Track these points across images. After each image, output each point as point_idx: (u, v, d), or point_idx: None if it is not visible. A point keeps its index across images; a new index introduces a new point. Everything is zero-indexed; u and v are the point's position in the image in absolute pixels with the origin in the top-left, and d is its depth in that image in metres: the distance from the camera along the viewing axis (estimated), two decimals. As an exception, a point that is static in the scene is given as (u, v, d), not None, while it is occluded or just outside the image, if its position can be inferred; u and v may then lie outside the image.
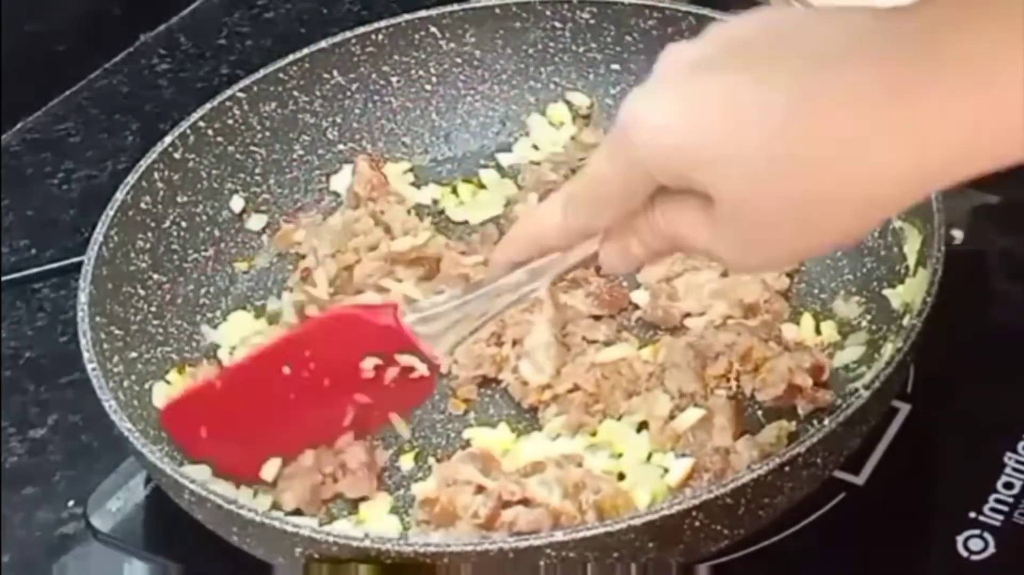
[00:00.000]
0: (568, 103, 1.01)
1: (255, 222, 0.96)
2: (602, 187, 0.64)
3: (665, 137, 0.59)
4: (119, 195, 0.88)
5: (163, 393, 0.85)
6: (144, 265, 0.89)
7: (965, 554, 0.77)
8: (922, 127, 0.55)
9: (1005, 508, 0.79)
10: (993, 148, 0.56)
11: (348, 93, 0.99)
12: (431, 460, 0.83)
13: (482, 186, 0.99)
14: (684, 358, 0.83)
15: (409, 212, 0.96)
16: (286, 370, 0.79)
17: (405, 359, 0.77)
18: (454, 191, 0.99)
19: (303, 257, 0.94)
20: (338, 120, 1.00)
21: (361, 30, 0.99)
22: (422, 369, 0.77)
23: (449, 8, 1.00)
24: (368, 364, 0.78)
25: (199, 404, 0.81)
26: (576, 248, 0.69)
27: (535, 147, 1.01)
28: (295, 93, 0.98)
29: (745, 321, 0.85)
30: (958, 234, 0.93)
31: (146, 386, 0.84)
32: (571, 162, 0.98)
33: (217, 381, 0.82)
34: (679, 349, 0.84)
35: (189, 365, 0.87)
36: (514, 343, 0.86)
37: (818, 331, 0.86)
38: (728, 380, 0.83)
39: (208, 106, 0.94)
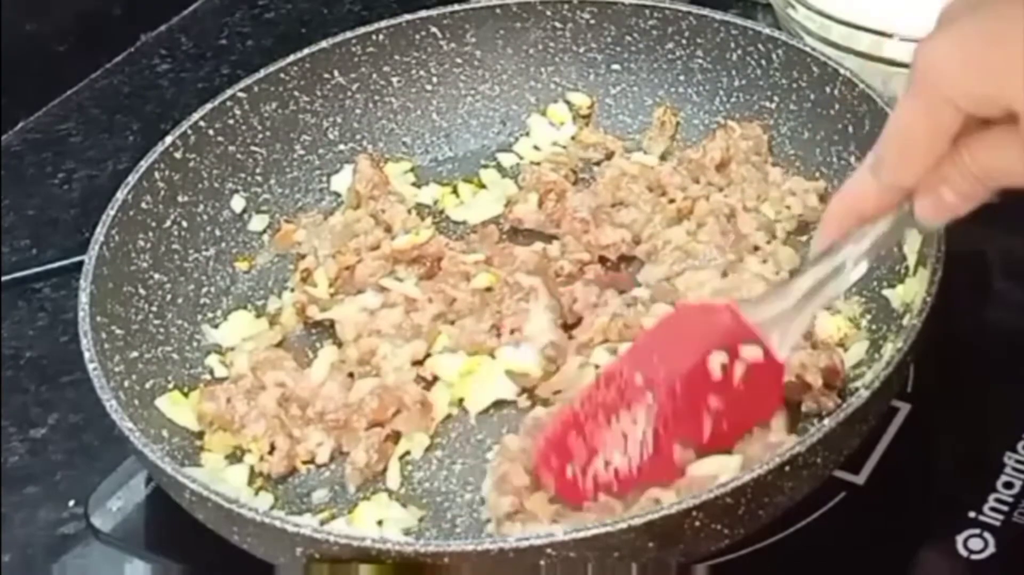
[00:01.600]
0: (568, 103, 1.02)
1: (256, 222, 0.96)
2: (909, 138, 0.67)
3: (968, 62, 0.63)
4: (120, 195, 0.88)
5: (167, 405, 0.85)
6: (145, 265, 0.89)
7: (965, 554, 0.77)
8: None
9: (1005, 508, 0.79)
10: None
11: (349, 93, 0.99)
12: (439, 453, 0.83)
13: (482, 186, 0.99)
14: None
15: (410, 212, 0.96)
16: (638, 380, 0.75)
17: (749, 352, 0.74)
18: (454, 191, 0.99)
19: (303, 257, 0.94)
20: (338, 120, 1.00)
21: (361, 30, 0.99)
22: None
23: (449, 8, 1.00)
24: (715, 361, 0.75)
25: (563, 438, 0.77)
26: (887, 215, 0.71)
27: (536, 147, 1.01)
28: (296, 93, 0.98)
29: None
30: (958, 234, 0.93)
31: (146, 386, 0.84)
32: (571, 162, 0.98)
33: (570, 409, 0.77)
34: None
35: (191, 387, 0.87)
36: (512, 331, 0.86)
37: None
38: None
39: (209, 106, 0.94)
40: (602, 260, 0.92)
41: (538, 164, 0.98)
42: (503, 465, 0.78)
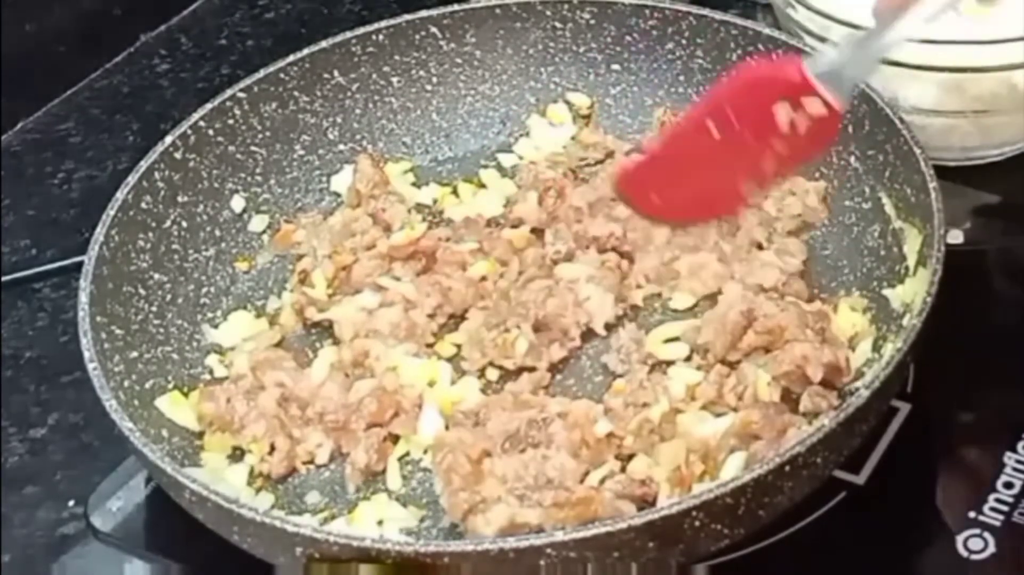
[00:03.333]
0: (568, 103, 1.02)
1: (256, 223, 0.96)
2: None
3: None
4: (120, 195, 0.88)
5: (167, 405, 0.85)
6: (145, 265, 0.89)
7: (965, 554, 0.77)
8: None
9: (1005, 508, 0.79)
10: None
11: (348, 93, 0.99)
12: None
13: (482, 186, 0.99)
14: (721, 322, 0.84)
15: (409, 211, 0.96)
16: (714, 131, 0.80)
17: (811, 103, 0.78)
18: (454, 191, 0.99)
19: (301, 258, 0.94)
20: (338, 120, 1.00)
21: (361, 30, 0.99)
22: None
23: (449, 8, 1.00)
24: (781, 114, 0.78)
25: (648, 171, 0.83)
26: None
27: (536, 148, 1.01)
28: (295, 93, 0.98)
29: (804, 304, 0.85)
30: (958, 234, 0.93)
31: (146, 386, 0.84)
32: (571, 162, 0.98)
33: (659, 148, 0.85)
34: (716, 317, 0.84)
35: (191, 387, 0.87)
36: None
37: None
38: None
39: (208, 106, 0.94)
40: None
41: (534, 163, 0.98)
42: (445, 459, 0.79)
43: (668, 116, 0.99)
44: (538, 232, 0.94)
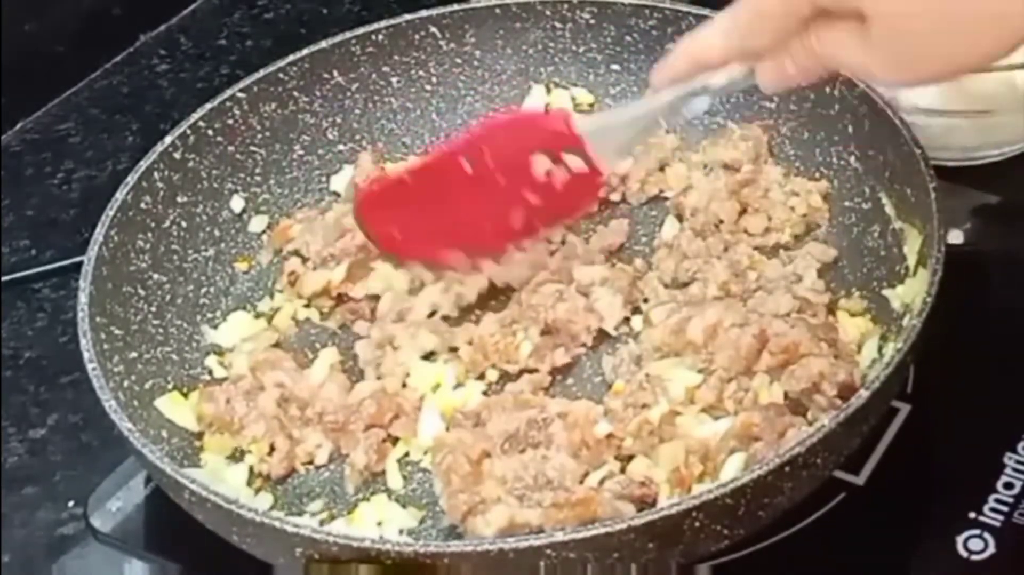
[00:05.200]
0: (572, 98, 1.01)
1: (256, 223, 0.96)
2: (765, 13, 0.71)
3: None
4: (119, 195, 0.88)
5: (166, 405, 0.85)
6: (144, 265, 0.89)
7: (965, 554, 0.77)
8: None
9: (1005, 508, 0.79)
10: None
11: (348, 93, 0.99)
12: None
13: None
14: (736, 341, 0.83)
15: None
16: (467, 167, 0.81)
17: (573, 160, 0.80)
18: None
19: (289, 257, 0.94)
20: (338, 120, 1.00)
21: (361, 30, 0.99)
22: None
23: (449, 8, 1.00)
24: (539, 164, 0.80)
25: (391, 197, 0.84)
26: (731, 69, 0.76)
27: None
28: (295, 93, 0.98)
29: (808, 318, 0.84)
30: (958, 234, 0.93)
31: (146, 386, 0.84)
32: None
33: (407, 176, 0.85)
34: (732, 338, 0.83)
35: (190, 388, 0.87)
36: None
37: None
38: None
39: (208, 106, 0.94)
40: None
41: None
42: (445, 460, 0.78)
43: None
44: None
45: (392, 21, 0.99)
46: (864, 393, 0.73)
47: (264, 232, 0.96)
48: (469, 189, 0.81)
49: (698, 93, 0.78)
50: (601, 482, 0.78)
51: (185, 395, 0.86)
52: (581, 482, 0.78)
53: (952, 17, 0.66)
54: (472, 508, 0.76)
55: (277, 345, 0.90)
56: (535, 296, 0.88)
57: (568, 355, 0.86)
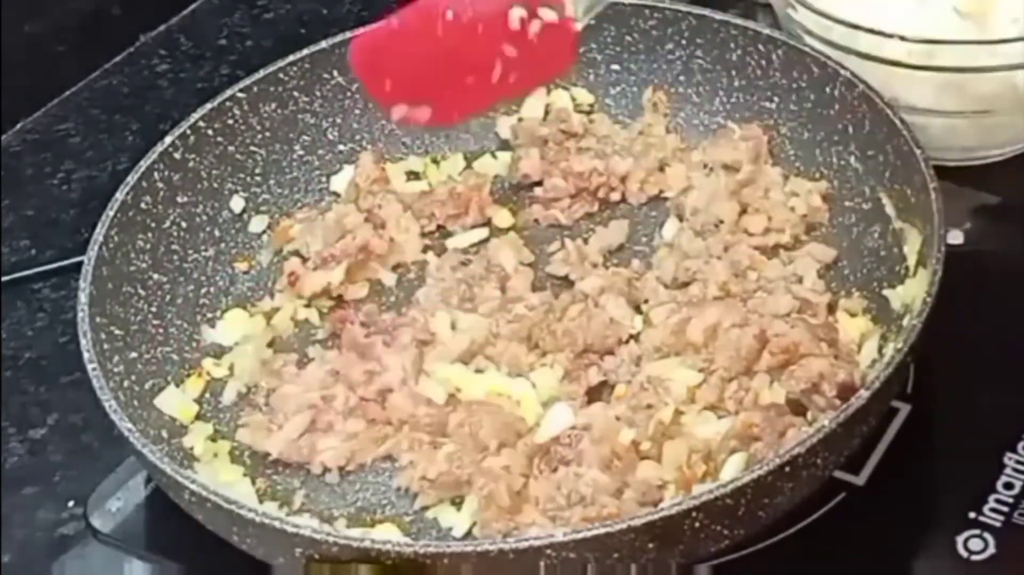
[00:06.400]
0: (572, 98, 1.01)
1: (256, 224, 0.96)
2: None
3: None
4: (119, 195, 0.88)
5: (168, 401, 0.85)
6: (144, 265, 0.89)
7: (965, 554, 0.77)
8: None
9: (1005, 508, 0.79)
10: None
11: (348, 93, 0.99)
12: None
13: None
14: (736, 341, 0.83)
15: (406, 211, 0.96)
16: (449, 15, 0.81)
17: (546, 11, 0.81)
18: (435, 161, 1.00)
19: (289, 257, 0.94)
20: (338, 120, 0.99)
21: (361, 30, 0.99)
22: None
23: (449, 8, 1.00)
24: (514, 16, 0.81)
25: (381, 43, 0.85)
26: None
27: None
28: (295, 93, 0.98)
29: (808, 318, 0.84)
30: (958, 234, 0.93)
31: (146, 386, 0.84)
32: (568, 124, 0.98)
33: (396, 22, 0.85)
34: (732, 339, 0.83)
35: (189, 375, 0.87)
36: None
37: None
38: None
39: (208, 106, 0.94)
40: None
41: (526, 120, 1.00)
42: (486, 487, 0.78)
43: (659, 96, 0.99)
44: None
45: (392, 21, 0.99)
46: (864, 393, 0.73)
47: (264, 232, 0.96)
48: (451, 38, 0.83)
49: None
50: (620, 491, 0.77)
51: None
52: (617, 496, 0.77)
53: None
54: (507, 534, 0.76)
55: (271, 344, 0.90)
56: (564, 323, 0.87)
57: (601, 373, 0.85)
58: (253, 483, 0.83)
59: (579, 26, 0.83)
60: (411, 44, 0.83)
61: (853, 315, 0.86)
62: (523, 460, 0.79)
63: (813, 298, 0.86)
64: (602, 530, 0.69)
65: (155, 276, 0.89)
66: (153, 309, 0.88)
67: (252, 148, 0.96)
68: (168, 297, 0.90)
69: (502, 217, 0.96)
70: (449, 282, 0.90)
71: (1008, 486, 0.80)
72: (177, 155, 0.92)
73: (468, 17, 0.81)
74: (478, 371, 0.85)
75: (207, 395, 0.87)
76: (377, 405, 0.84)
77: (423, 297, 0.90)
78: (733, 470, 0.77)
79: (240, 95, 0.95)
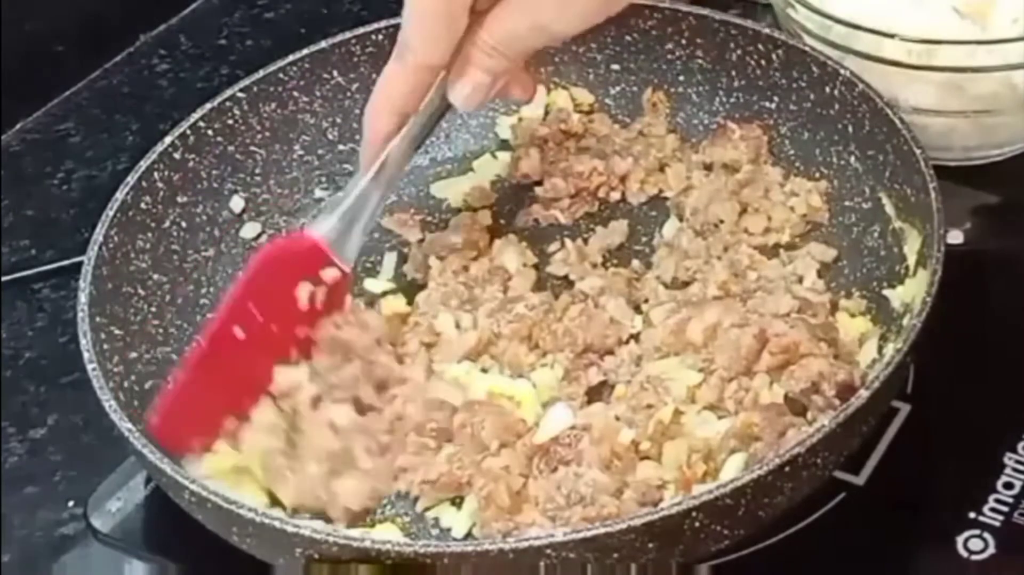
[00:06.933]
0: (572, 98, 1.01)
1: (249, 230, 0.95)
2: (427, 15, 0.73)
3: None
4: (119, 195, 0.88)
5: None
6: (144, 265, 0.89)
7: (965, 554, 0.77)
8: None
9: (1005, 508, 0.79)
10: None
11: (348, 93, 0.99)
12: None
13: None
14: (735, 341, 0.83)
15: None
16: (239, 334, 0.79)
17: (328, 274, 0.80)
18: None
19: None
20: (338, 120, 0.99)
21: (361, 30, 0.99)
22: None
23: (449, 8, 1.00)
24: (303, 294, 0.80)
25: (178, 407, 0.79)
26: (424, 103, 0.78)
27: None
28: (295, 93, 0.98)
29: (808, 318, 0.84)
30: (958, 234, 0.93)
31: (146, 386, 0.84)
32: (569, 124, 0.99)
33: (187, 377, 0.80)
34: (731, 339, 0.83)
35: None
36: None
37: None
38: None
39: (208, 106, 0.94)
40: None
41: (526, 119, 1.00)
42: (486, 487, 0.78)
43: (658, 97, 0.99)
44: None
45: (392, 21, 0.99)
46: (864, 393, 0.73)
47: (258, 238, 0.96)
48: (246, 352, 0.79)
49: (411, 142, 0.79)
50: (619, 491, 0.77)
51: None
52: (617, 496, 0.77)
53: None
54: (507, 534, 0.76)
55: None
56: (564, 323, 0.87)
57: (601, 373, 0.85)
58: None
59: (348, 269, 0.81)
60: (207, 385, 0.78)
61: (853, 315, 0.86)
62: (523, 460, 0.79)
63: (813, 298, 0.86)
64: (602, 530, 0.69)
65: (155, 276, 0.89)
66: (153, 309, 0.88)
67: (252, 148, 0.96)
68: (168, 297, 0.90)
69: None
70: (452, 285, 0.90)
71: (1008, 486, 0.80)
72: (177, 155, 0.92)
73: (258, 324, 0.79)
74: (483, 370, 0.85)
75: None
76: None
77: (424, 300, 0.90)
78: (733, 470, 0.77)
79: (240, 95, 0.95)
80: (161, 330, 0.88)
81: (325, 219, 0.81)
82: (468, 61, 0.75)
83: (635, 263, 0.92)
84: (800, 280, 0.88)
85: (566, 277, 0.91)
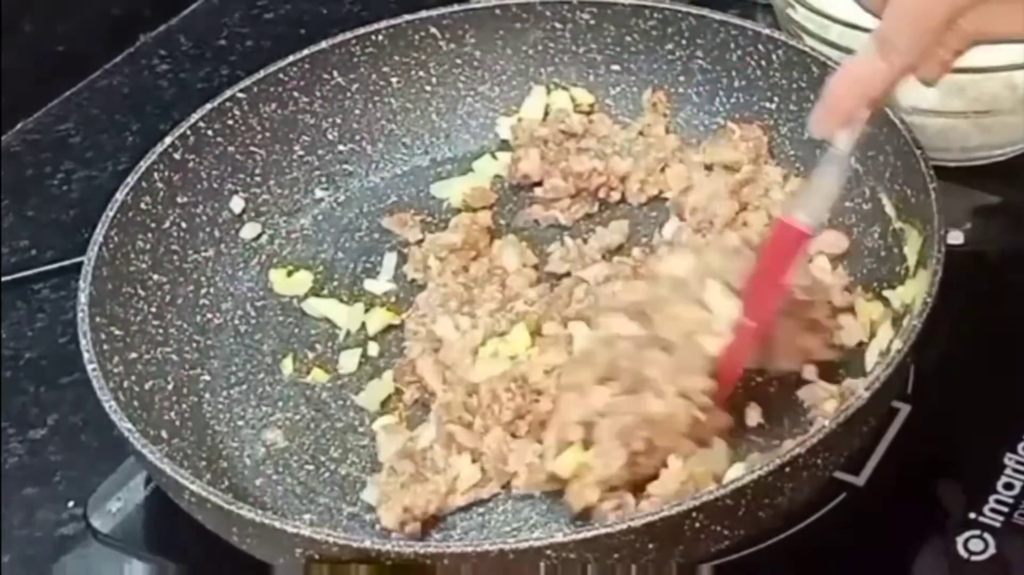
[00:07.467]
0: (572, 98, 1.01)
1: (248, 231, 0.96)
2: (923, 19, 0.70)
3: None
4: (119, 195, 0.88)
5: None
6: (144, 265, 0.89)
7: (965, 554, 0.77)
8: None
9: (1005, 508, 0.79)
10: None
11: (348, 93, 0.99)
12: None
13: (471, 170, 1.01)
14: None
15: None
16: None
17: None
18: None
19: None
20: (338, 121, 0.99)
21: (361, 30, 0.99)
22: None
23: (449, 8, 1.00)
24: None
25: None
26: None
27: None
28: (295, 94, 0.98)
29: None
30: (958, 234, 0.93)
31: (146, 387, 0.84)
32: (568, 125, 0.98)
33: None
34: None
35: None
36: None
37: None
38: None
39: (208, 106, 0.94)
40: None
41: (526, 120, 1.00)
42: (618, 422, 0.77)
43: (659, 97, 0.99)
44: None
45: (392, 21, 0.99)
46: (864, 393, 0.73)
47: (257, 238, 0.96)
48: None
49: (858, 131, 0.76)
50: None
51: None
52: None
53: None
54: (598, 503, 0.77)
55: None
56: (573, 306, 0.87)
57: None
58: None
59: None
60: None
61: (870, 300, 0.86)
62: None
63: (827, 279, 0.86)
64: (602, 530, 0.69)
65: (155, 276, 0.89)
66: (153, 309, 0.88)
67: (252, 148, 0.96)
68: (168, 297, 0.90)
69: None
70: (452, 286, 0.90)
71: (1008, 486, 0.80)
72: (177, 155, 0.92)
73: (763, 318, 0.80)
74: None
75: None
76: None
77: (423, 302, 0.90)
78: (733, 470, 0.77)
79: (240, 95, 0.95)
80: (161, 330, 0.88)
81: (801, 202, 0.79)
82: (940, 45, 0.72)
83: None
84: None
85: (567, 274, 0.91)
